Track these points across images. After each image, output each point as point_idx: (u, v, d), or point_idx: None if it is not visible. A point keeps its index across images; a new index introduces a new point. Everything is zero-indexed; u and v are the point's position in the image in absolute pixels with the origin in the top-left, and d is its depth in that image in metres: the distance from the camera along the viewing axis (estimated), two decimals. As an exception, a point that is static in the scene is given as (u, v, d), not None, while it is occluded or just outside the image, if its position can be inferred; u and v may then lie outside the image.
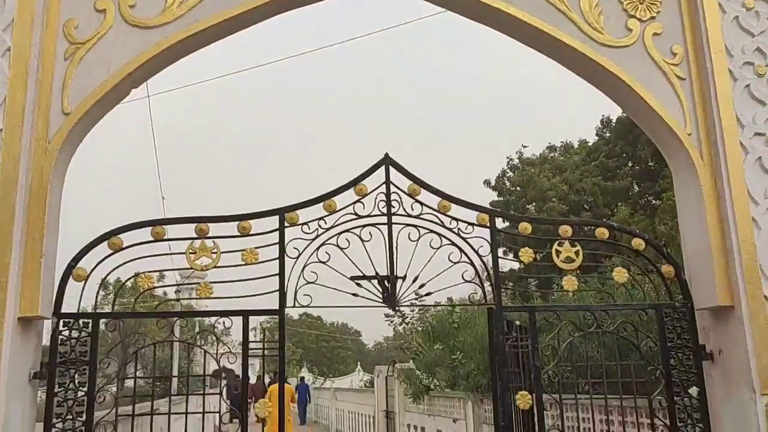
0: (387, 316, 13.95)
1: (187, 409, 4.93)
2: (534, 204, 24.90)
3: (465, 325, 13.24)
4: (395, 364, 16.34)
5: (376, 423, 17.78)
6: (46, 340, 4.18)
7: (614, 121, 25.25)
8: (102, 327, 4.31)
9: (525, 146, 28.29)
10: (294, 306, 4.52)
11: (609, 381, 4.65)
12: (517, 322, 4.81)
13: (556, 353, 4.65)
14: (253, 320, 4.50)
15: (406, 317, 14.14)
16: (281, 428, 4.68)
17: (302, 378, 34.96)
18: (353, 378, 63.07)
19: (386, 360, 19.12)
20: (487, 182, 27.92)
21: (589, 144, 27.03)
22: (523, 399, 4.53)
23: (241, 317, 4.43)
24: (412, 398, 14.01)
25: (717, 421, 4.48)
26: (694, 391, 4.57)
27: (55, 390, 4.08)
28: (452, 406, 12.22)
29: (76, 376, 4.12)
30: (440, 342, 13.21)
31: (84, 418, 4.08)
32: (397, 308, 4.65)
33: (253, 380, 35.58)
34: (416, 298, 4.75)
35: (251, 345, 4.54)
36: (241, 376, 4.58)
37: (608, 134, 25.92)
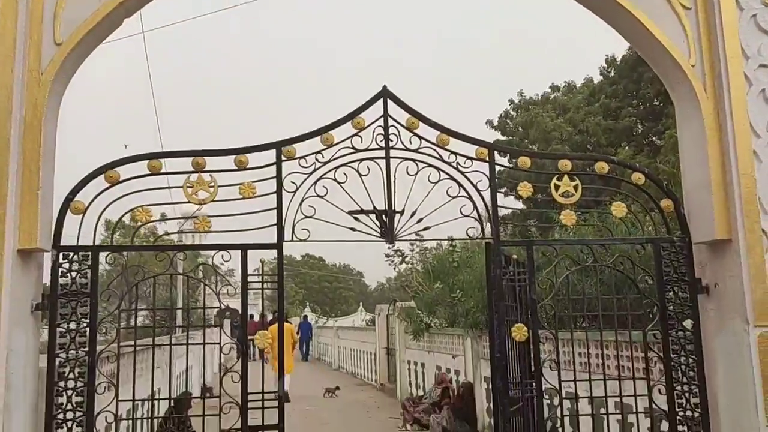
0: (387, 256, 14.10)
1: (188, 341, 4.99)
2: (537, 145, 24.73)
3: (464, 265, 13.35)
4: (396, 303, 16.56)
5: (378, 359, 18.15)
6: (48, 275, 4.22)
7: (619, 60, 24.84)
8: (105, 267, 4.35)
9: (522, 92, 27.90)
10: (292, 240, 4.54)
11: (605, 315, 4.71)
12: (515, 256, 4.83)
13: (553, 288, 4.68)
14: (256, 258, 4.55)
15: (407, 257, 14.28)
16: (281, 363, 4.77)
17: (305, 317, 36.21)
18: (355, 318, 64.02)
19: (388, 300, 19.36)
20: (489, 122, 27.70)
21: (594, 83, 26.67)
22: (519, 331, 4.59)
23: (239, 251, 4.45)
24: (412, 335, 14.26)
25: (710, 352, 4.55)
26: (688, 323, 4.62)
27: (57, 322, 4.14)
28: (451, 343, 12.43)
29: (78, 307, 4.17)
30: (440, 281, 13.36)
31: (87, 349, 4.15)
32: (394, 242, 4.66)
33: (257, 320, 36.45)
34: (414, 233, 4.76)
35: (251, 280, 4.56)
36: (240, 312, 4.62)
37: (612, 73, 25.55)
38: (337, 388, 16.55)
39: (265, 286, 4.62)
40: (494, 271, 4.67)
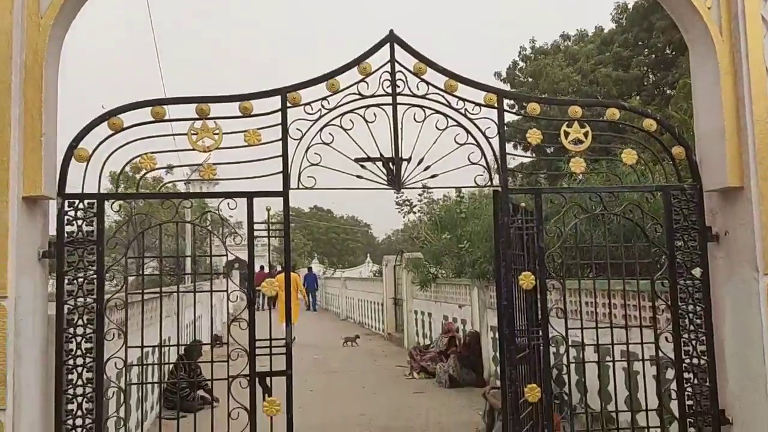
0: (397, 204, 14.05)
1: (195, 290, 5.01)
2: (546, 95, 24.40)
3: (472, 216, 13.33)
4: (403, 253, 16.62)
5: (385, 310, 18.34)
6: (54, 224, 4.22)
7: (630, 7, 24.28)
8: (114, 219, 4.32)
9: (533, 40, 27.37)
10: (298, 188, 4.50)
11: (613, 263, 4.68)
12: (523, 205, 4.79)
13: (561, 236, 4.65)
14: (263, 208, 4.53)
15: (415, 206, 14.25)
16: (288, 311, 4.80)
17: (310, 268, 36.96)
18: (362, 269, 64.53)
19: (395, 251, 19.44)
20: (497, 74, 27.31)
21: (605, 32, 26.14)
22: (527, 279, 4.58)
23: (245, 199, 4.43)
24: (419, 286, 14.35)
25: (718, 301, 4.54)
26: (697, 272, 4.60)
27: (65, 269, 4.15)
28: (458, 293, 12.51)
29: (85, 255, 4.18)
30: (448, 232, 13.37)
31: (95, 296, 4.17)
32: (401, 190, 4.62)
33: (266, 270, 36.89)
34: (421, 181, 4.71)
35: (257, 228, 4.55)
36: (247, 261, 4.61)
37: (624, 22, 25.00)
38: (357, 337, 16.77)
39: (271, 235, 4.60)
40: (502, 219, 4.63)
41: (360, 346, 16.71)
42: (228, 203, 4.46)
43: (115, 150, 4.28)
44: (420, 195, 14.21)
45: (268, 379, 4.56)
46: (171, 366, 9.96)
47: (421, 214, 14.59)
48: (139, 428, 7.47)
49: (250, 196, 4.42)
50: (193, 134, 4.35)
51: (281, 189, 4.48)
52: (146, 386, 8.51)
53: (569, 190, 5.04)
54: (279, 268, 28.78)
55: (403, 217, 14.22)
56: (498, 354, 10.53)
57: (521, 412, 4.69)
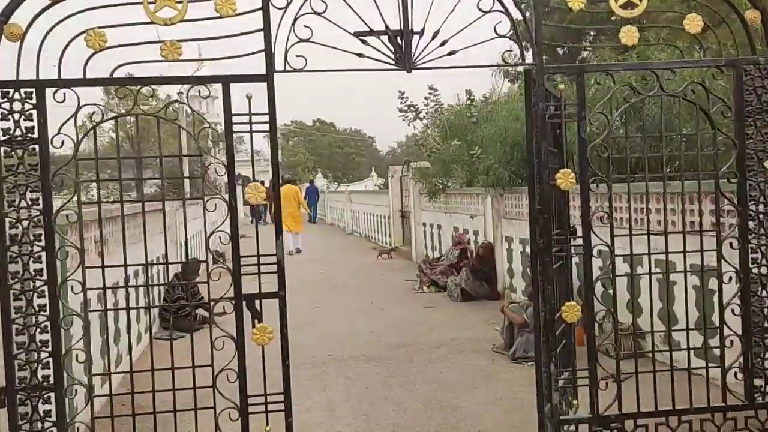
0: (401, 111, 13.06)
1: (164, 202, 4.24)
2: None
3: (484, 120, 12.42)
4: (410, 163, 15.80)
5: (392, 223, 17.70)
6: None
7: None
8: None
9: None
10: (285, 70, 3.65)
11: (671, 156, 3.88)
12: (561, 86, 3.92)
13: (608, 123, 3.82)
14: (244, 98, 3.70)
15: (421, 112, 13.27)
16: (278, 223, 4.05)
17: (311, 181, 37.36)
18: (367, 183, 63.94)
19: (401, 163, 18.61)
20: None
21: None
22: (565, 178, 3.79)
23: (220, 85, 3.60)
24: (427, 197, 13.61)
25: (797, 198, 3.76)
26: (770, 164, 3.81)
27: (2, 174, 3.39)
28: (469, 203, 11.77)
29: (26, 156, 3.40)
30: (457, 138, 12.50)
31: (40, 206, 3.42)
32: (411, 71, 3.76)
33: (266, 185, 37.17)
34: (436, 59, 3.84)
35: (237, 122, 3.74)
36: (226, 163, 3.82)
37: None
38: (393, 250, 16.21)
39: (255, 129, 3.79)
40: (536, 105, 3.79)
41: (362, 260, 16.19)
42: (199, 90, 3.63)
43: (55, 25, 3.41)
44: (426, 99, 13.19)
45: (258, 303, 3.83)
46: (167, 286, 9.40)
47: (428, 121, 13.64)
48: (127, 355, 6.90)
49: (225, 81, 3.58)
50: (150, 3, 3.46)
51: (264, 72, 3.63)
52: (137, 308, 7.94)
53: (618, 66, 4.12)
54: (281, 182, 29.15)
55: (408, 124, 13.31)
56: (513, 265, 9.93)
57: (554, 324, 4.02)
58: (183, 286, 9.30)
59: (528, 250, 9.44)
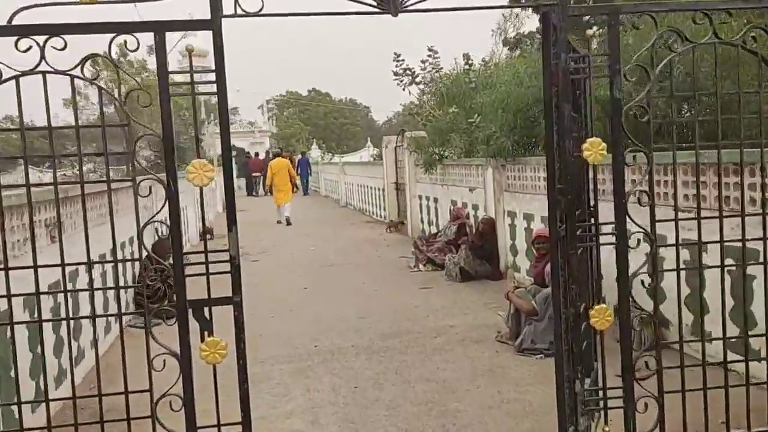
0: (395, 75, 12.16)
1: (82, 178, 3.44)
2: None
3: (483, 86, 11.59)
4: (404, 133, 14.96)
5: (386, 195, 16.92)
6: None
7: None
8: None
9: None
10: (235, 15, 2.85)
11: (725, 118, 3.09)
12: (594, 30, 3.11)
13: (647, 79, 3.03)
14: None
15: (417, 76, 12.36)
16: (230, 212, 3.23)
17: (303, 153, 38.07)
18: (363, 153, 63.09)
19: (396, 132, 17.77)
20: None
21: None
22: (594, 149, 3.01)
23: (152, 34, 2.79)
24: (423, 168, 12.81)
25: None
26: None
27: None
28: (468, 175, 10.98)
29: None
30: (455, 105, 11.65)
31: None
32: (398, 14, 2.95)
33: (262, 156, 36.93)
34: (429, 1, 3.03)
35: (178, 81, 2.95)
36: (167, 133, 3.03)
37: None
38: (402, 222, 15.55)
39: (201, 90, 3.00)
40: (557, 57, 3.00)
41: (355, 234, 15.45)
42: (125, 42, 2.82)
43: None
44: (424, 63, 12.26)
45: (207, 311, 3.08)
46: (141, 267, 8.65)
47: (425, 86, 12.76)
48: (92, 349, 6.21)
49: (158, 29, 2.78)
50: (54, -76, 2.65)
51: (208, 16, 2.83)
52: (105, 294, 7.21)
53: (663, 6, 3.29)
54: (270, 155, 28.55)
55: (403, 89, 12.41)
56: (517, 242, 9.18)
57: (579, 331, 3.28)
58: (156, 267, 8.57)
59: (533, 226, 8.78)
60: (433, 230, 13.00)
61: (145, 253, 3.15)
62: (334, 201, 27.11)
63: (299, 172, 31.26)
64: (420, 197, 14.17)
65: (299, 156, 35.59)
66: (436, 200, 12.96)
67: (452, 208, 11.64)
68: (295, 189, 21.32)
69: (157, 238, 9.54)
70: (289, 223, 18.47)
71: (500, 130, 8.96)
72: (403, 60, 12.39)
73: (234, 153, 63.22)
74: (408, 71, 12.48)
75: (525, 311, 6.13)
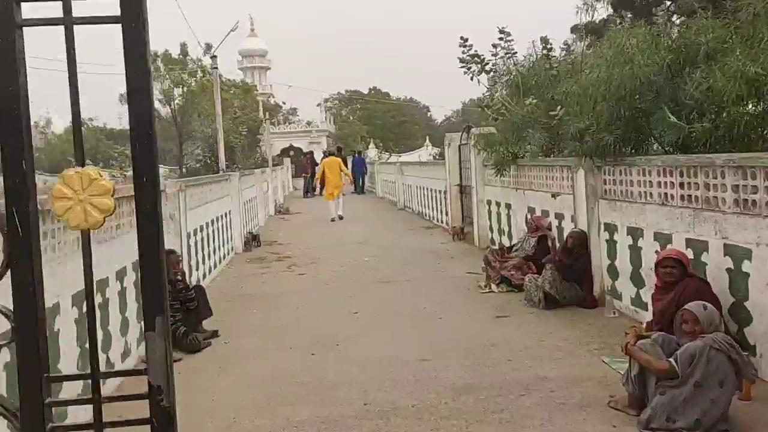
0: (462, 62, 10.46)
1: None
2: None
3: (566, 74, 9.82)
4: (471, 129, 13.24)
5: (449, 198, 15.22)
6: None
7: None
8: None
9: None
10: None
11: None
12: None
13: None
14: None
15: (487, 64, 10.63)
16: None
17: (358, 152, 37.90)
18: (421, 153, 61.51)
19: (458, 130, 16.06)
20: None
21: None
22: None
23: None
24: (494, 169, 11.08)
25: None
26: None
27: None
28: (551, 177, 9.21)
29: None
30: (532, 96, 9.87)
31: None
32: None
33: (319, 156, 36.47)
34: None
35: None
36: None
37: None
38: (462, 229, 14.03)
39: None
40: None
41: (415, 243, 13.82)
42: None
43: None
44: (495, 47, 10.51)
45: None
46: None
47: (495, 74, 11.03)
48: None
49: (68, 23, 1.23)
50: None
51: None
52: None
53: None
54: (324, 155, 27.95)
55: (471, 78, 10.70)
56: (618, 263, 7.39)
57: None
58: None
59: (641, 243, 7.00)
60: (505, 241, 11.27)
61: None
62: (390, 203, 25.54)
63: (354, 170, 31.86)
64: (489, 202, 12.44)
65: (353, 155, 35.10)
66: (508, 206, 11.21)
67: (529, 216, 9.90)
68: (347, 183, 22.95)
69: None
70: (341, 217, 19.37)
71: (597, 123, 7.19)
72: (471, 45, 10.69)
73: (291, 153, 62.66)
74: (477, 58, 10.78)
75: (657, 371, 4.38)
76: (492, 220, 12.29)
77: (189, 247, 8.87)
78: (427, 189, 18.50)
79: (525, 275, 8.57)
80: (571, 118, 8.14)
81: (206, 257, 10.47)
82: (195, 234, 9.63)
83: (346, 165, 29.73)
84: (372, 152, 55.21)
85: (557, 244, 8.82)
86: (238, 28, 20.30)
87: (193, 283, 8.69)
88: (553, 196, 9.08)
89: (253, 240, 14.70)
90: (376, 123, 71.65)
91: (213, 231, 11.22)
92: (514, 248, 9.49)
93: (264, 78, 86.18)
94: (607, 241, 7.51)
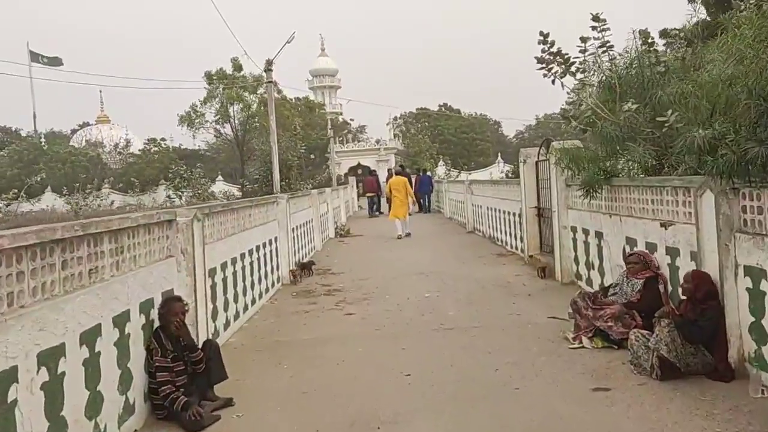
0: (541, 62, 8.59)
1: None
2: None
3: (674, 72, 7.88)
4: (551, 143, 11.32)
5: (524, 223, 13.27)
6: None
7: None
8: None
9: None
10: None
11: None
12: None
13: None
14: None
15: (572, 64, 8.72)
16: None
17: (424, 170, 36.73)
18: (493, 170, 59.29)
19: (533, 146, 14.14)
20: None
21: None
22: None
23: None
24: (581, 190, 9.13)
25: None
26: None
27: None
28: (660, 201, 7.21)
29: None
30: (632, 100, 7.90)
31: None
32: None
33: (383, 175, 35.45)
34: None
35: None
36: None
37: None
38: (543, 268, 11.46)
39: None
40: None
41: (485, 272, 11.94)
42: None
43: None
44: (583, 43, 8.55)
45: None
46: (146, 349, 5.74)
47: (584, 76, 9.11)
48: None
49: None
50: None
51: None
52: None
53: None
54: (392, 173, 26.93)
55: (553, 81, 8.81)
56: (765, 321, 5.37)
57: None
58: (163, 346, 5.63)
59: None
60: (594, 277, 9.29)
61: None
62: (459, 225, 23.65)
63: (420, 189, 31.11)
64: (573, 229, 10.46)
65: (419, 174, 33.74)
66: (599, 235, 9.22)
67: (627, 249, 7.92)
68: (411, 206, 22.74)
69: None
70: (408, 234, 19.73)
71: (735, 130, 5.24)
72: (552, 42, 8.83)
73: (359, 171, 61.62)
74: (560, 56, 8.93)
75: None
76: (578, 251, 10.30)
77: (209, 288, 7.34)
78: (499, 211, 16.56)
79: (627, 328, 6.63)
80: (688, 125, 6.19)
81: (240, 295, 8.95)
82: (221, 270, 8.11)
83: (411, 184, 29.30)
84: (440, 170, 53.41)
85: (669, 289, 6.84)
86: (299, 41, 19.24)
87: (210, 333, 7.15)
88: (664, 225, 7.08)
89: (302, 270, 13.16)
90: (446, 140, 69.93)
91: (250, 263, 9.70)
92: (612, 290, 7.50)
93: (334, 97, 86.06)
94: (748, 290, 5.49)
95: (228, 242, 8.45)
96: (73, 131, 74.87)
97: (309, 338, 8.10)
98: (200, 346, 5.99)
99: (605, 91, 8.56)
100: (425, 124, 73.04)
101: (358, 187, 49.46)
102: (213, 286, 7.61)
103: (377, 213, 30.76)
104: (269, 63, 17.93)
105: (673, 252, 6.88)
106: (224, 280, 8.18)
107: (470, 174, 53.02)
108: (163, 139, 54.41)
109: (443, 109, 76.03)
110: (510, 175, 29.33)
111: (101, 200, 39.25)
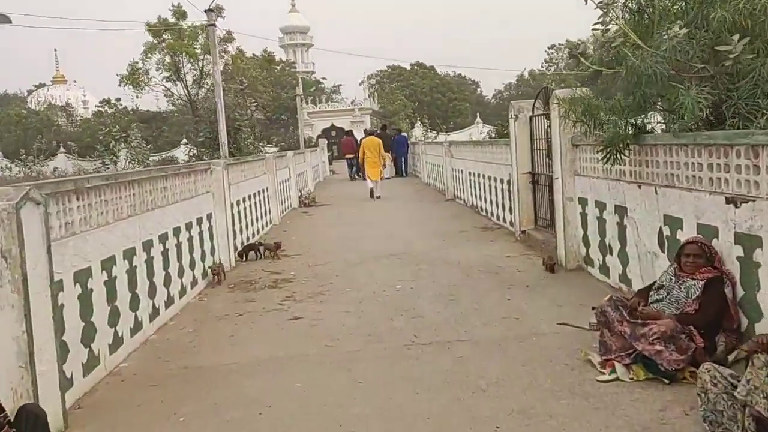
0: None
1: None
2: None
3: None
4: (551, 92, 9.02)
5: (516, 191, 11.03)
6: None
7: None
8: None
9: None
10: None
11: None
12: None
13: None
14: None
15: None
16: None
17: (399, 131, 34.57)
18: (472, 131, 56.98)
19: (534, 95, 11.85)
20: None
21: None
22: None
23: None
24: (602, 152, 6.85)
25: None
26: None
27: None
28: (728, 167, 4.98)
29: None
30: (680, 22, 5.59)
31: None
32: None
33: (360, 135, 33.70)
34: None
35: None
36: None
37: None
38: (552, 266, 8.77)
39: None
40: None
41: (469, 253, 9.76)
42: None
43: None
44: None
45: None
46: None
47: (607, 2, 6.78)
48: None
49: None
50: None
51: None
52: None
53: None
54: (369, 133, 25.29)
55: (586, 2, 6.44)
56: None
57: None
58: None
59: None
60: (611, 264, 7.16)
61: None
62: (437, 191, 21.42)
63: (395, 150, 29.19)
64: (582, 201, 8.26)
65: (395, 134, 31.64)
66: (621, 211, 7.02)
67: (668, 235, 5.74)
68: (385, 167, 22.91)
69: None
70: (379, 197, 19.63)
71: None
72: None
73: (333, 133, 58.92)
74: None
75: None
76: (588, 229, 8.11)
77: (75, 301, 5.03)
78: (484, 177, 14.31)
79: (683, 353, 4.51)
80: (761, 56, 3.95)
81: (143, 299, 6.66)
82: (102, 270, 5.77)
83: (392, 144, 27.94)
84: (417, 131, 51.01)
85: (738, 295, 4.67)
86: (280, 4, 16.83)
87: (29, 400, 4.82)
88: (733, 201, 4.88)
89: (245, 253, 10.86)
90: (423, 100, 67.42)
91: (162, 253, 7.38)
92: (653, 295, 5.30)
93: (306, 56, 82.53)
94: None
95: (116, 229, 6.10)
96: (29, 92, 70.96)
97: (231, 363, 5.83)
98: (12, 416, 3.70)
99: (636, 15, 6.25)
100: (399, 83, 70.32)
101: (331, 149, 46.85)
102: (82, 296, 5.30)
103: (357, 176, 28.43)
104: (218, 8, 15.49)
105: (747, 241, 4.68)
106: (108, 282, 5.85)
107: (448, 135, 50.54)
108: (118, 100, 50.90)
109: (416, 67, 73.25)
110: (493, 135, 27.03)
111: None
